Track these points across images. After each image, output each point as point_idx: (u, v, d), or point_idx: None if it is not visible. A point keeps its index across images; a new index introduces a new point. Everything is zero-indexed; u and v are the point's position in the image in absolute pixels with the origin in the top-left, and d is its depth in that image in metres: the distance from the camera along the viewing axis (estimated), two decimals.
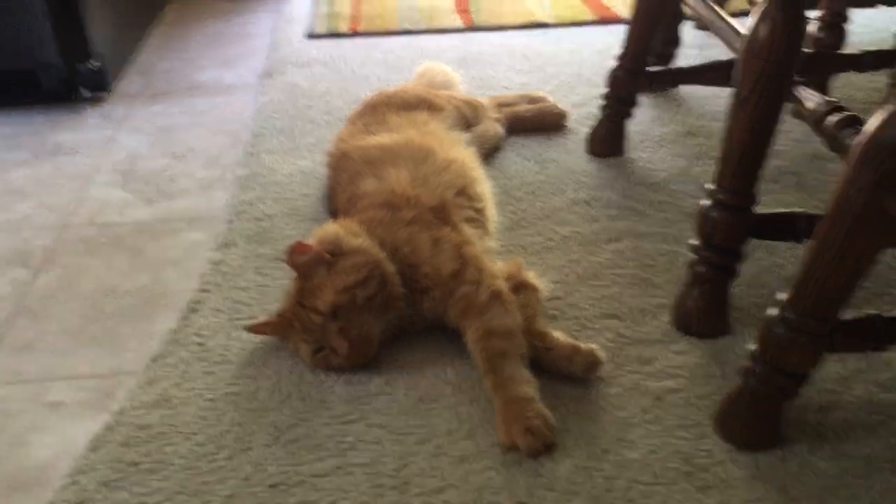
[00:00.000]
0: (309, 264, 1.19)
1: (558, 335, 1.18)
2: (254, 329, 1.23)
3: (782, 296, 0.97)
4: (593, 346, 1.16)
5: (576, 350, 1.15)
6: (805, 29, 1.09)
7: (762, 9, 1.07)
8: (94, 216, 1.64)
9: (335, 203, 1.50)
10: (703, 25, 2.24)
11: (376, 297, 1.19)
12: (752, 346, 1.01)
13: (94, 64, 2.06)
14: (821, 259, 0.91)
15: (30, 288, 1.43)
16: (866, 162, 0.85)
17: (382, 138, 1.50)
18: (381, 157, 1.42)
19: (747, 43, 1.08)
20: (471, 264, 1.23)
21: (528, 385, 1.09)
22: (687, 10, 1.71)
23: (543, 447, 1.04)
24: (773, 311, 0.97)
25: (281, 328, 1.22)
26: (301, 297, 1.18)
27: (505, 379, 1.10)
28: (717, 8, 1.36)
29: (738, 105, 1.11)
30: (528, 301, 1.23)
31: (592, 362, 1.15)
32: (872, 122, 0.85)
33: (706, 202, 1.19)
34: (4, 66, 2.02)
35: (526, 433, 1.04)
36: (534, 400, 1.07)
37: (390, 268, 1.23)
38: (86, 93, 2.10)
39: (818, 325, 0.93)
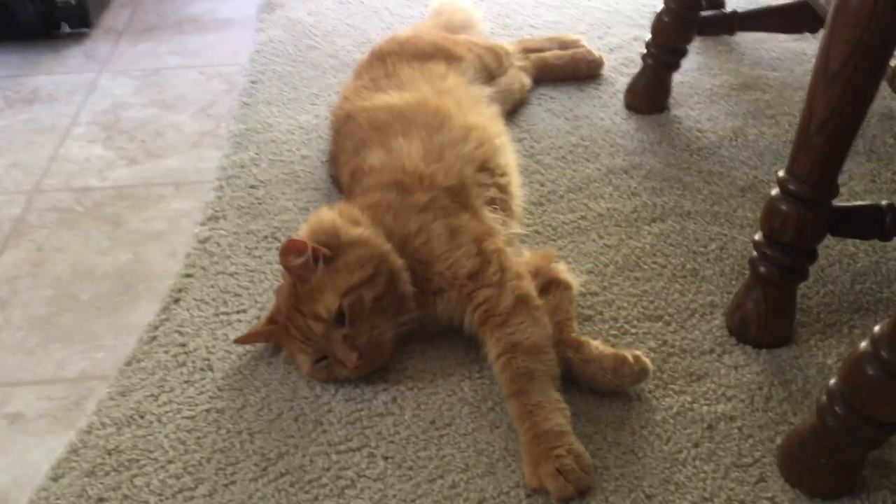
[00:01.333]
0: (305, 267, 1.01)
1: (596, 345, 1.00)
2: (243, 340, 1.06)
3: (878, 329, 0.78)
4: (637, 352, 1.00)
5: (622, 361, 0.98)
6: None
7: None
8: (70, 179, 1.46)
9: (338, 172, 1.32)
10: None
11: (385, 296, 1.02)
12: (832, 382, 0.83)
13: None
14: None
15: None
16: None
17: (392, 97, 1.30)
18: (390, 123, 1.23)
19: (839, 4, 0.87)
20: (493, 262, 1.05)
21: (559, 414, 0.93)
22: None
23: (577, 493, 0.88)
24: (865, 346, 0.79)
25: (273, 336, 1.05)
26: (297, 302, 1.01)
27: (532, 406, 0.93)
28: None
29: (826, 81, 0.90)
30: (559, 302, 1.06)
31: (641, 371, 0.98)
32: None
33: (775, 192, 0.99)
34: None
35: (556, 476, 0.88)
36: (566, 433, 0.91)
37: (398, 262, 1.05)
38: (66, 28, 1.90)
39: None
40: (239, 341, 1.06)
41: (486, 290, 1.03)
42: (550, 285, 1.08)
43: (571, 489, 0.88)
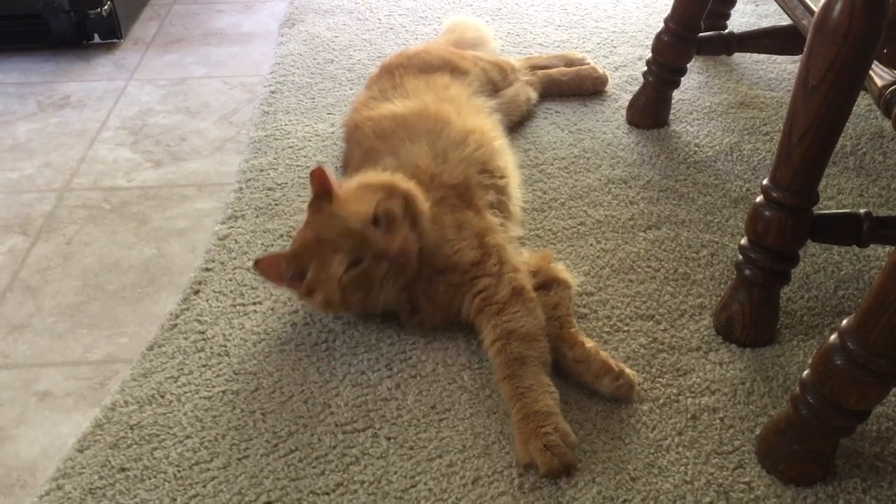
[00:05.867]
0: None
1: (591, 347, 1.06)
2: (264, 262, 1.10)
3: (846, 322, 0.84)
4: (629, 372, 1.04)
5: (607, 370, 1.04)
6: (889, 6, 0.94)
7: None
8: (98, 179, 1.54)
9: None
10: None
11: (408, 214, 1.11)
12: (805, 374, 0.89)
13: (106, 8, 1.94)
14: (895, 288, 0.78)
15: (27, 258, 1.35)
16: None
17: (396, 106, 1.37)
18: (395, 130, 1.30)
19: (818, 23, 0.94)
20: (492, 255, 1.12)
21: (549, 396, 0.99)
22: None
23: (563, 467, 0.94)
24: (833, 339, 0.85)
25: (295, 260, 1.09)
26: (335, 209, 1.08)
27: (524, 388, 1.00)
28: None
29: (805, 94, 0.96)
30: (559, 299, 1.12)
31: (620, 386, 1.03)
32: None
33: (760, 199, 1.06)
34: (13, 10, 1.91)
35: (544, 451, 0.94)
36: (554, 414, 0.97)
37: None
38: (97, 39, 1.99)
39: (889, 364, 0.80)
40: (260, 263, 1.10)
41: (486, 279, 1.10)
42: (550, 283, 1.14)
43: (557, 463, 0.94)
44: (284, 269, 1.10)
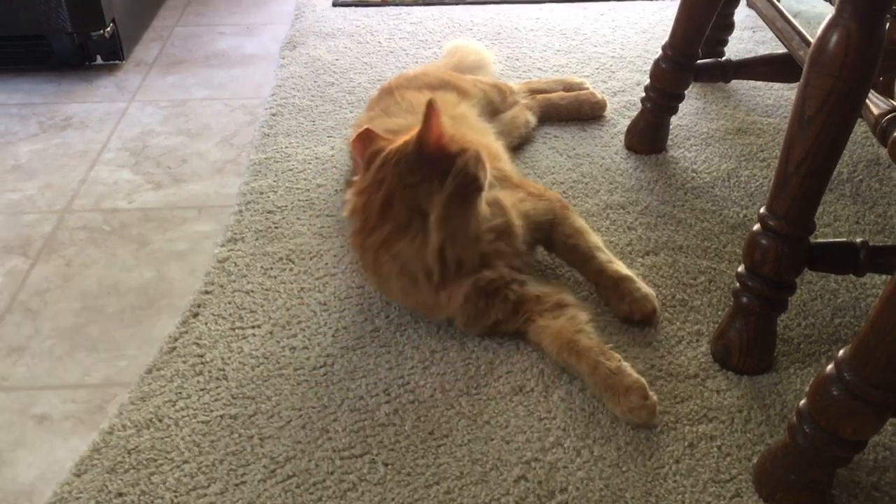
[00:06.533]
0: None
1: (627, 367, 1.07)
2: (365, 134, 1.20)
3: (842, 353, 0.85)
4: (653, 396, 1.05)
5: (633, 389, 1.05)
6: (884, 39, 0.95)
7: (832, 16, 0.94)
8: (99, 200, 1.55)
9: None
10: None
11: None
12: (802, 403, 0.90)
13: (109, 30, 1.95)
14: (893, 318, 0.79)
15: (26, 280, 1.35)
16: None
17: (402, 121, 1.38)
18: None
19: (814, 55, 0.95)
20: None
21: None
22: None
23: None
24: (829, 369, 0.86)
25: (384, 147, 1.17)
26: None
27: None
28: (778, 5, 1.21)
29: (801, 124, 0.97)
30: (575, 314, 1.16)
31: (636, 409, 1.05)
32: None
33: (757, 227, 1.06)
34: (15, 32, 1.92)
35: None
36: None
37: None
38: (99, 60, 2.00)
39: (885, 395, 0.81)
40: (361, 134, 1.20)
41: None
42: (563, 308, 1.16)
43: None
44: (372, 148, 1.18)
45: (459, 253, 1.14)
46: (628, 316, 1.19)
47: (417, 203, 1.12)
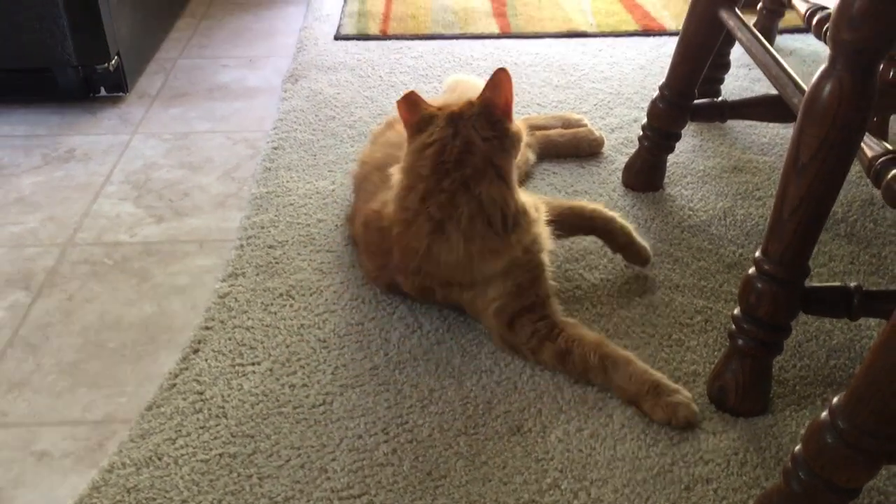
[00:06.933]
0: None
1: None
2: (412, 96, 1.24)
3: (836, 400, 0.86)
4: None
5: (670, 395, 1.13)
6: (877, 88, 0.97)
7: (825, 67, 0.96)
8: (101, 234, 1.56)
9: (352, 227, 1.43)
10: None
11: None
12: (797, 448, 0.91)
13: (113, 63, 1.98)
14: (886, 367, 0.80)
15: (28, 314, 1.36)
16: None
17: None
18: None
19: (808, 104, 0.97)
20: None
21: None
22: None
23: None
24: (824, 416, 0.87)
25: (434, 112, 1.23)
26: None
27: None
28: (772, 51, 1.23)
29: (796, 171, 0.99)
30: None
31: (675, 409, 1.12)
32: None
33: (752, 270, 1.08)
34: (20, 64, 1.94)
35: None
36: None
37: None
38: (103, 91, 2.02)
39: (879, 443, 0.82)
40: (409, 95, 1.24)
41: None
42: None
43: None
44: (423, 116, 1.23)
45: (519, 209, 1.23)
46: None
47: (491, 157, 1.20)
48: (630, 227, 1.37)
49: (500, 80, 1.20)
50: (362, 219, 1.35)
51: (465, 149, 1.19)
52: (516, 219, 1.22)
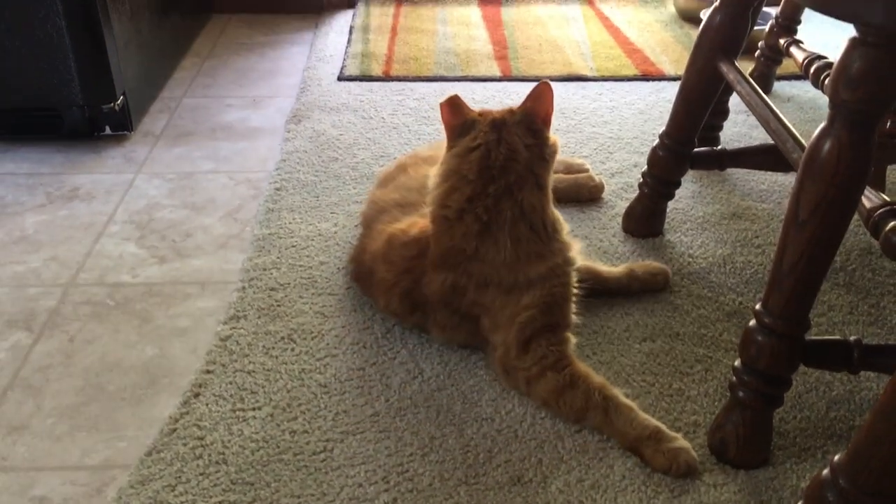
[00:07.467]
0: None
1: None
2: (455, 99, 1.26)
3: (838, 458, 0.86)
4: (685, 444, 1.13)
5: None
6: (875, 146, 0.98)
7: (824, 125, 0.97)
8: (104, 274, 1.57)
9: (361, 264, 1.44)
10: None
11: None
12: None
13: (119, 103, 2.00)
14: (887, 429, 0.80)
15: (29, 356, 1.36)
16: None
17: (413, 196, 1.44)
18: (415, 200, 1.39)
19: (807, 161, 0.98)
20: None
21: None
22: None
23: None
24: (825, 474, 0.87)
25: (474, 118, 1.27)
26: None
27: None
28: (772, 105, 1.25)
29: (796, 227, 1.00)
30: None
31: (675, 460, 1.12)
32: None
33: (752, 323, 1.09)
34: (28, 104, 1.96)
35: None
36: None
37: None
38: (108, 130, 2.04)
39: (880, 502, 0.82)
40: (453, 98, 1.27)
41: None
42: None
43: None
44: (465, 120, 1.26)
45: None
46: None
47: (531, 165, 1.23)
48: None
49: (541, 92, 1.24)
50: (385, 237, 1.37)
51: (509, 155, 1.23)
52: (554, 227, 1.27)
